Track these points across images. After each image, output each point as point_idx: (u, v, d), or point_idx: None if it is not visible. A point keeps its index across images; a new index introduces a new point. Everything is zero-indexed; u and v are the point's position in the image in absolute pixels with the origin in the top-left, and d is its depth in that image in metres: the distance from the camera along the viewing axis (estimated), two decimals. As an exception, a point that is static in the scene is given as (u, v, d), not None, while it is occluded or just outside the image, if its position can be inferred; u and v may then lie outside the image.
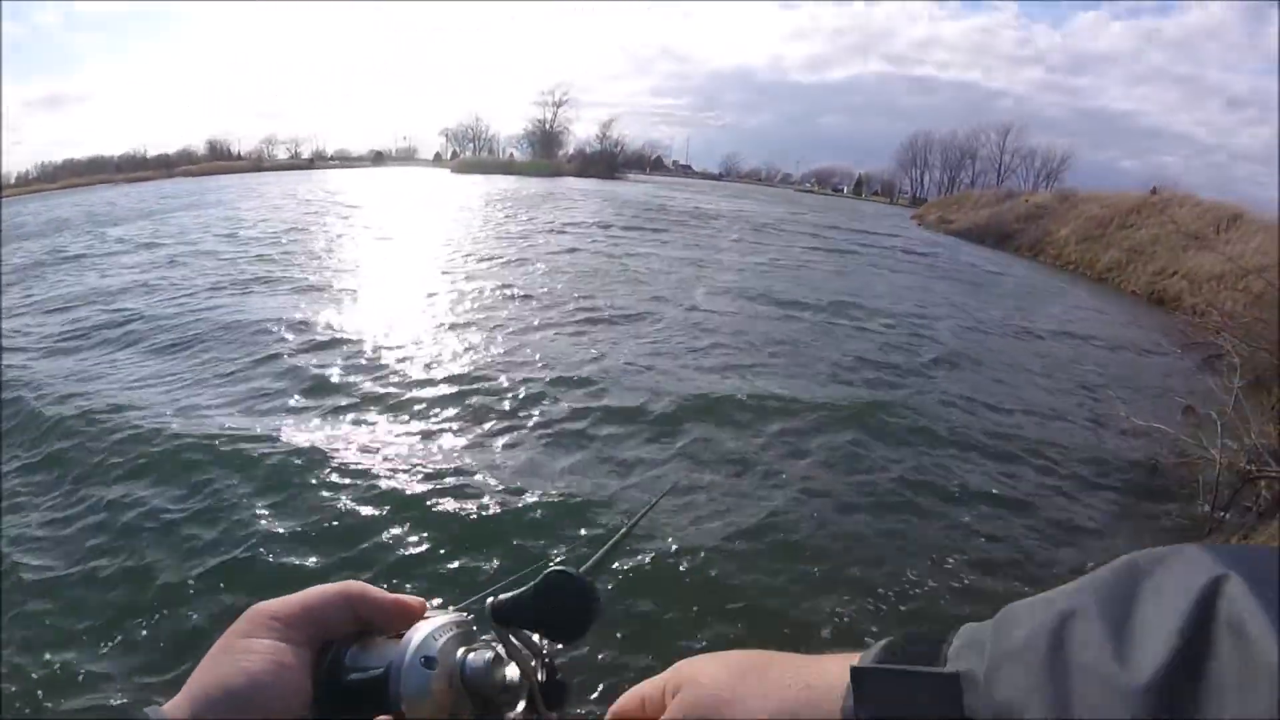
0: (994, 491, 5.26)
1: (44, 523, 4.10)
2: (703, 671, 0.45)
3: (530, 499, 4.23)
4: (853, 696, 0.38)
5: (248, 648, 0.40)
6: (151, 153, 77.86)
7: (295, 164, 77.39)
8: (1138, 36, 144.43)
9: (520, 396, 6.02)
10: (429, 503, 4.21)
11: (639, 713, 0.47)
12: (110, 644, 3.14)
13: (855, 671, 0.39)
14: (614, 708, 0.48)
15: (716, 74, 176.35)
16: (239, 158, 79.98)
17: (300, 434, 5.12)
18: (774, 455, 5.30)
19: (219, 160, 75.66)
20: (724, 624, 3.32)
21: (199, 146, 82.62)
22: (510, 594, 0.47)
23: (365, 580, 0.47)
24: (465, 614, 0.48)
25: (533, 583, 0.46)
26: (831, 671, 0.42)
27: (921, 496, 5.00)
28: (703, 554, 3.73)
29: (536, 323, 8.67)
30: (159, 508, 4.17)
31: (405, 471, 4.58)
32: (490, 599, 0.46)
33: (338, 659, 0.43)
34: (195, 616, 3.29)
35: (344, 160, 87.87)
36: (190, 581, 3.52)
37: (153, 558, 3.70)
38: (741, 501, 4.46)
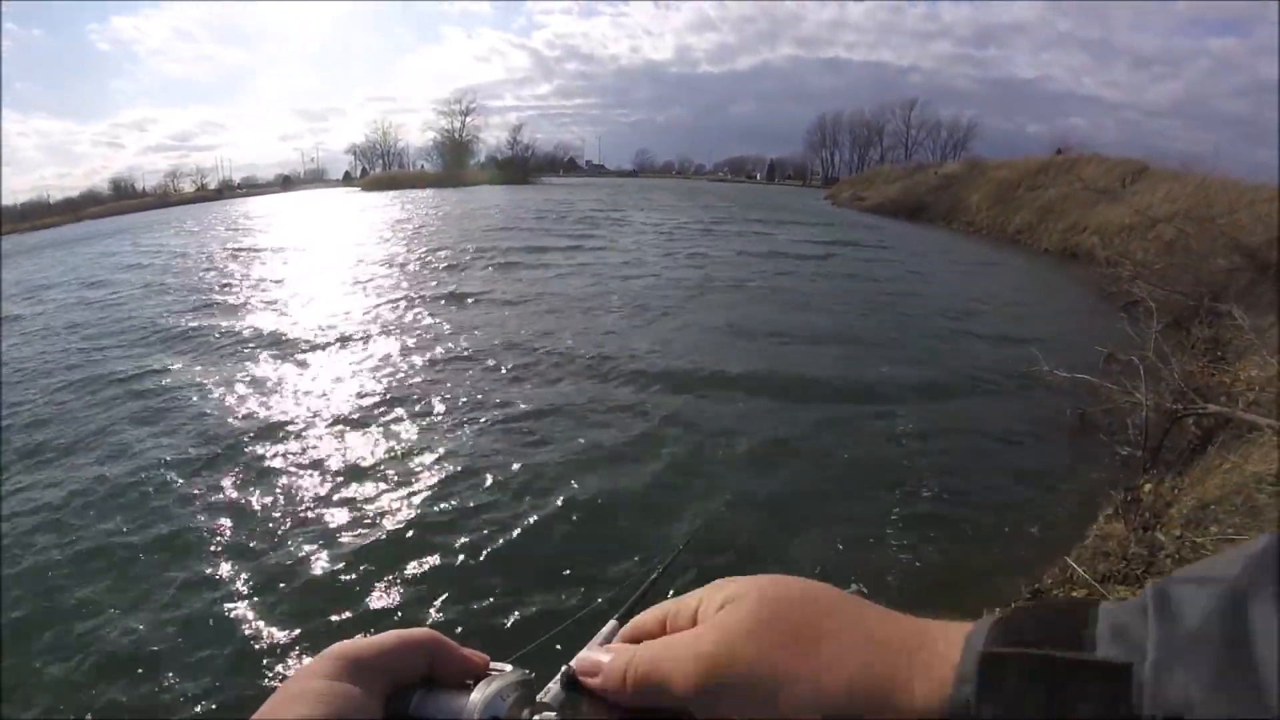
0: (930, 464, 5.25)
1: None
2: (743, 629, 0.36)
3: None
4: (975, 686, 0.29)
5: (319, 689, 0.38)
6: (55, 197, 74.68)
7: (204, 196, 74.86)
8: (1044, 4, 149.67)
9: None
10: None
11: (659, 630, 0.42)
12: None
13: (986, 658, 0.29)
14: (635, 621, 0.45)
15: (624, 71, 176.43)
16: (144, 194, 77.03)
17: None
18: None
19: (124, 199, 72.59)
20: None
21: (103, 186, 79.51)
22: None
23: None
24: (527, 671, 0.44)
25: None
26: (924, 643, 0.32)
27: (863, 478, 5.10)
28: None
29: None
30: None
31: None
32: (568, 666, 0.44)
33: (402, 708, 0.41)
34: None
35: (252, 187, 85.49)
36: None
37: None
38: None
